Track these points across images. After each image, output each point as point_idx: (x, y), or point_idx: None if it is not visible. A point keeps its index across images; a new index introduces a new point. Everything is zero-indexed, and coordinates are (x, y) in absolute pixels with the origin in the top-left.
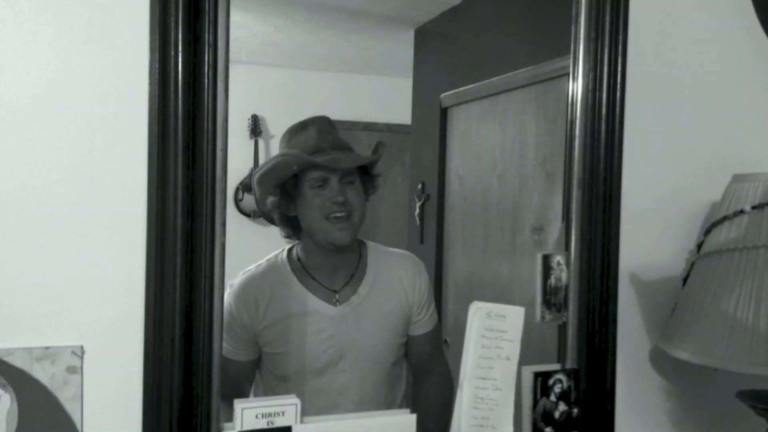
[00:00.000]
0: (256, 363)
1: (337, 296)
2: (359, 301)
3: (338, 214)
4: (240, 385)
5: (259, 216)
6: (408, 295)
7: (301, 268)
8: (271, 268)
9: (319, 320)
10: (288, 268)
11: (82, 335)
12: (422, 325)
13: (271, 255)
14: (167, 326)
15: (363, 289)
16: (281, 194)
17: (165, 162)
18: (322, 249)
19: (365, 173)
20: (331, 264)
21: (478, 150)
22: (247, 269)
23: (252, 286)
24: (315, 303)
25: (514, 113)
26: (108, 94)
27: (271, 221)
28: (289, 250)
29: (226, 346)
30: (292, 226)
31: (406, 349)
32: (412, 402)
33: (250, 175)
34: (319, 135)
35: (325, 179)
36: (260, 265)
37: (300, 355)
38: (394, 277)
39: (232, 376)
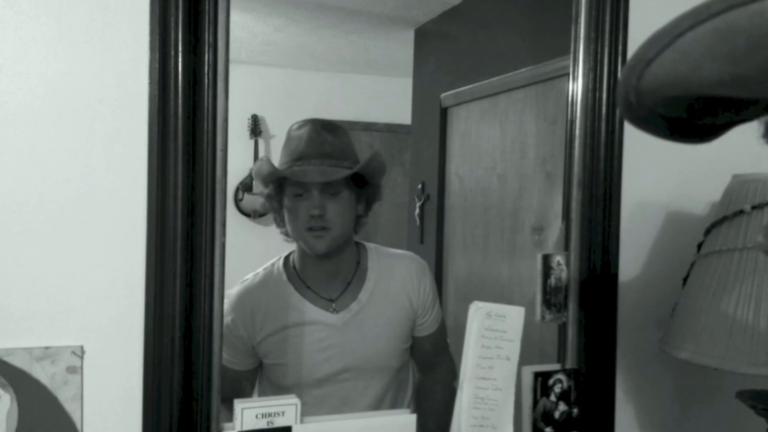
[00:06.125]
0: (257, 370)
1: (334, 305)
2: (359, 308)
3: (314, 226)
4: (241, 387)
5: (259, 216)
6: (412, 298)
7: (296, 276)
8: (268, 277)
9: (318, 330)
10: (284, 277)
11: (82, 335)
12: (427, 327)
13: (268, 263)
14: (167, 326)
15: (363, 295)
16: (269, 196)
17: (165, 162)
18: (311, 255)
19: (364, 184)
20: (325, 271)
21: (478, 150)
22: (244, 278)
23: (247, 297)
24: (313, 312)
25: (514, 113)
26: (108, 94)
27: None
28: (286, 258)
29: (225, 356)
30: (285, 225)
31: (411, 349)
32: (416, 395)
33: (250, 175)
34: (308, 141)
35: (306, 189)
36: (257, 274)
37: (300, 365)
38: (396, 280)
39: (233, 379)
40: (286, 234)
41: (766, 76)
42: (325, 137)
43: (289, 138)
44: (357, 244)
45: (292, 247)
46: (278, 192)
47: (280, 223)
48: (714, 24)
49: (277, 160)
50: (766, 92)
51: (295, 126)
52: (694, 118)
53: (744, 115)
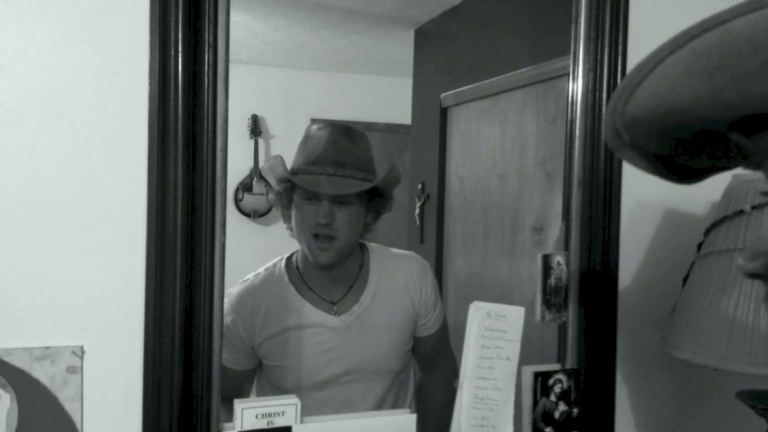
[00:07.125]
0: (256, 370)
1: (335, 308)
2: (362, 310)
3: (321, 234)
4: (240, 387)
5: (259, 216)
6: (414, 299)
7: (299, 277)
8: (269, 277)
9: (320, 332)
10: (286, 278)
11: (82, 335)
12: (429, 327)
13: (270, 263)
14: (167, 326)
15: (365, 297)
16: (279, 193)
17: (165, 162)
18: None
19: (377, 196)
20: (327, 275)
21: (478, 150)
22: (244, 278)
23: (248, 297)
24: (315, 314)
25: (514, 113)
26: (108, 94)
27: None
28: (288, 259)
29: (225, 356)
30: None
31: (413, 349)
32: (417, 395)
33: (250, 175)
34: (325, 146)
35: (317, 196)
36: (258, 274)
37: (301, 368)
38: (398, 282)
39: (233, 379)
40: (292, 229)
41: (737, 86)
42: (343, 144)
43: (306, 137)
44: (360, 245)
45: (293, 244)
46: (289, 191)
47: (287, 218)
48: (692, 46)
49: (281, 158)
50: (738, 107)
51: (316, 126)
52: (673, 155)
53: (721, 161)
